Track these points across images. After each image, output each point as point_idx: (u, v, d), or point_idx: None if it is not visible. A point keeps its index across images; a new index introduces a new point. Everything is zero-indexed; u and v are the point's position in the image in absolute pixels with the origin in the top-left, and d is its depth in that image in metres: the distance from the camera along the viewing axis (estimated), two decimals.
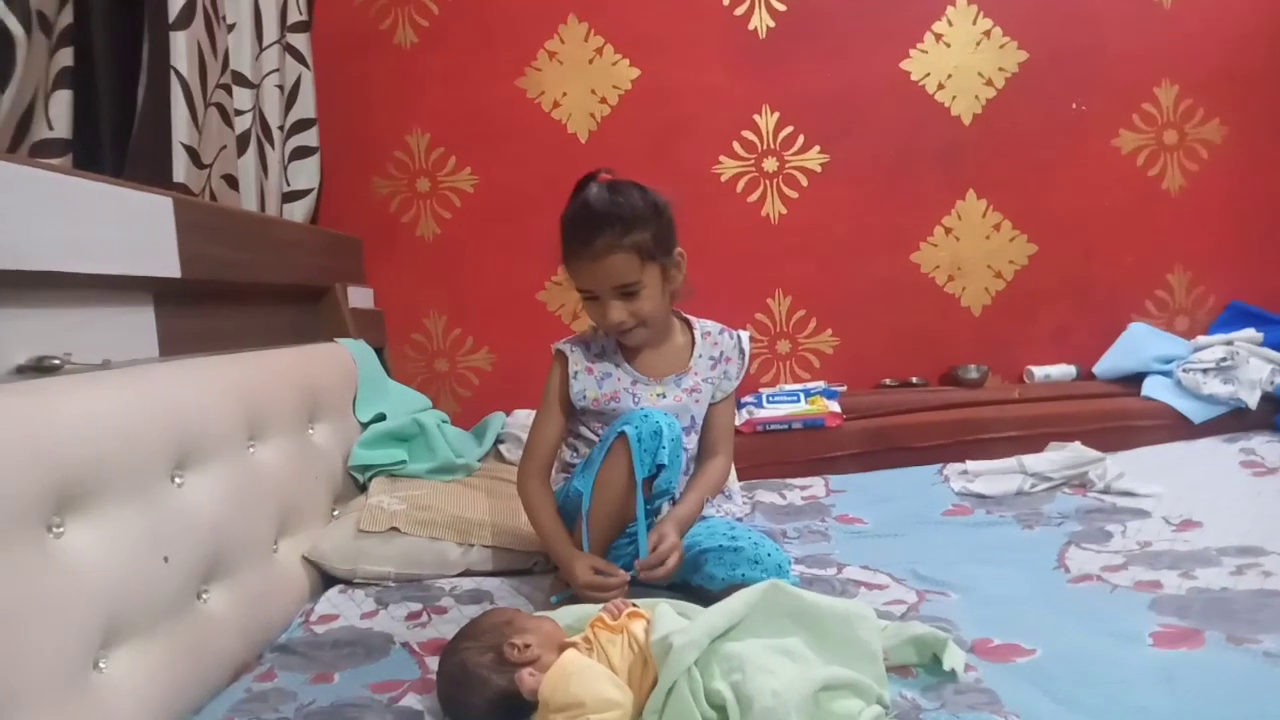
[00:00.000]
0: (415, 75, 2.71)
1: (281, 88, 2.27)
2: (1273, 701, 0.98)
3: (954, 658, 1.09)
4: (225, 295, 1.81)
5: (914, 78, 2.69)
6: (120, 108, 1.63)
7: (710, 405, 1.62)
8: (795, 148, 2.71)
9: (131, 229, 1.43)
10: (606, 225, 1.45)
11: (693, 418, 1.60)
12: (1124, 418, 2.40)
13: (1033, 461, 2.06)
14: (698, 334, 1.63)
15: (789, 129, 2.71)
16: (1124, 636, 1.18)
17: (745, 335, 1.67)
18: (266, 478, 1.53)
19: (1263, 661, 1.07)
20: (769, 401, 2.51)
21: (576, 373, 1.59)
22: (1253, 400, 2.33)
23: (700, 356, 1.61)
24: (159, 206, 1.51)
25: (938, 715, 1.00)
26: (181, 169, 1.73)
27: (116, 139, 1.62)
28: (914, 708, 1.02)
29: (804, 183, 2.72)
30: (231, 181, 1.95)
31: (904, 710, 1.01)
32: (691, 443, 1.59)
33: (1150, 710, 0.98)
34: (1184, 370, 2.43)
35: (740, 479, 1.71)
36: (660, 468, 1.41)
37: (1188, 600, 1.29)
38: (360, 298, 2.53)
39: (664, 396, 1.58)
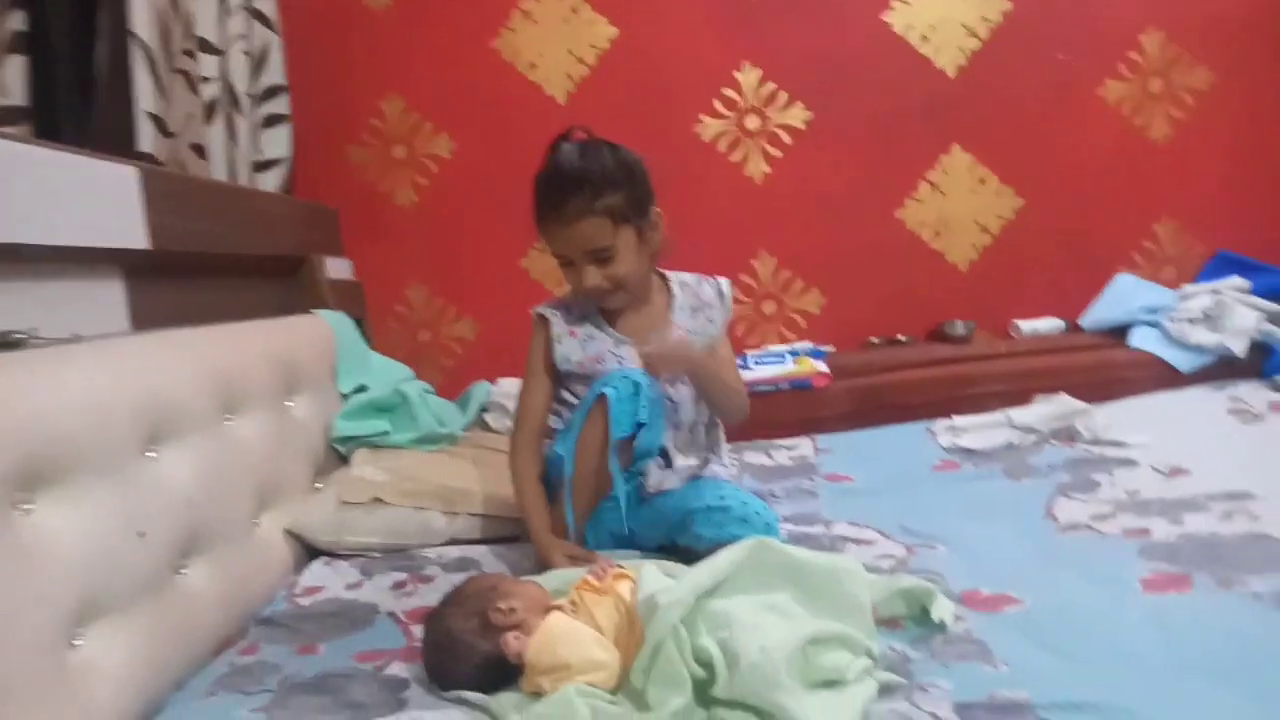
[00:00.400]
0: (388, 39, 2.65)
1: (249, 54, 2.21)
2: (1261, 641, 0.97)
3: (943, 609, 1.08)
4: (198, 268, 1.77)
5: (896, 30, 2.64)
6: (78, 75, 1.58)
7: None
8: (777, 105, 2.67)
9: (97, 200, 1.39)
10: (577, 189, 1.42)
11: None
12: (1111, 369, 2.39)
13: (1020, 415, 2.05)
14: (674, 286, 1.61)
15: (770, 86, 2.67)
16: (1114, 584, 1.17)
17: (725, 281, 1.64)
18: (244, 451, 1.51)
19: (1251, 603, 1.07)
20: (756, 363, 2.49)
21: (559, 336, 1.56)
22: (1240, 348, 2.32)
23: (680, 308, 1.59)
24: (125, 177, 1.47)
25: (927, 666, 1.00)
26: (147, 138, 1.68)
27: (76, 107, 1.58)
28: (903, 659, 1.02)
29: (787, 141, 2.68)
30: (200, 151, 1.91)
31: (893, 662, 1.01)
32: (683, 394, 1.56)
33: (1141, 655, 0.97)
34: (1171, 320, 2.42)
35: (728, 440, 1.69)
36: (640, 426, 1.39)
37: (1177, 546, 1.28)
38: (338, 269, 2.49)
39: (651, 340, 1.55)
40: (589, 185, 1.42)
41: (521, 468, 1.53)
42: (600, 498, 1.45)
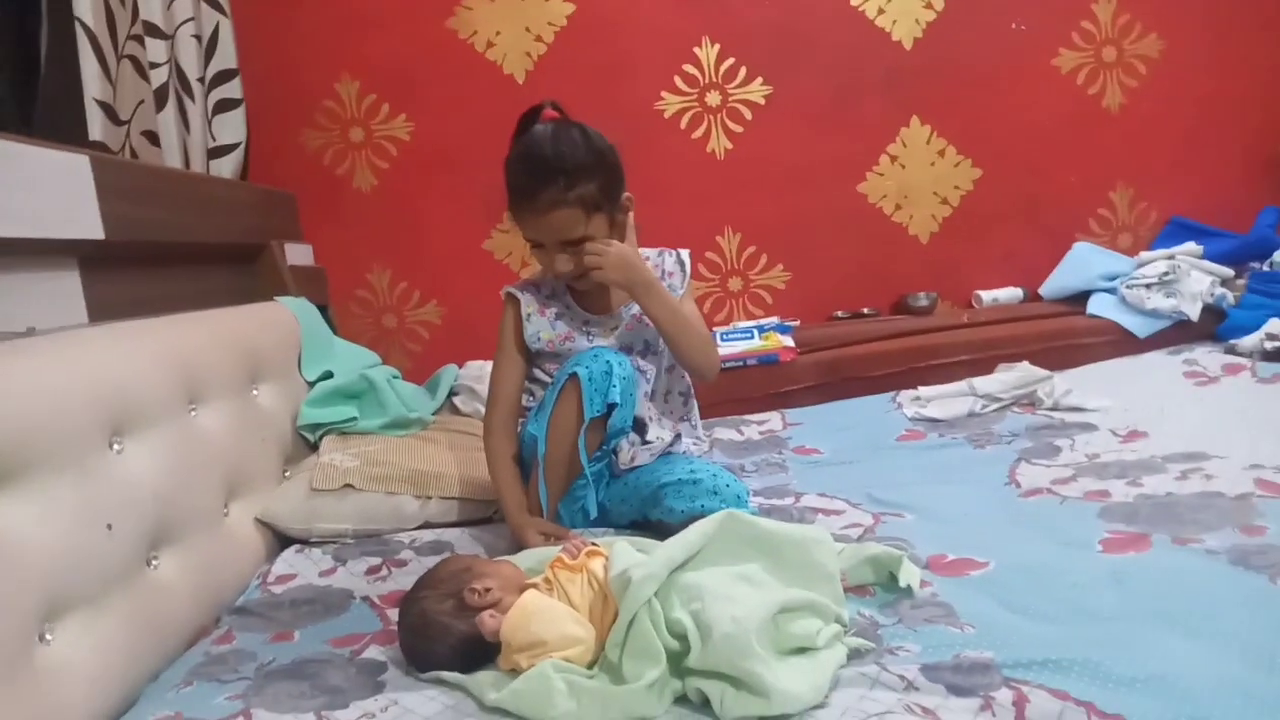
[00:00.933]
0: (341, 19, 2.61)
1: (198, 37, 2.17)
2: (1214, 593, 1.01)
3: (909, 574, 1.10)
4: (155, 257, 1.74)
5: (853, 3, 2.65)
6: (20, 62, 1.54)
7: None
8: (738, 80, 2.67)
9: (48, 190, 1.36)
10: (551, 179, 1.41)
11: (646, 342, 1.59)
12: (1070, 336, 2.44)
13: (983, 383, 2.08)
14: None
15: (730, 61, 2.67)
16: (1074, 544, 1.21)
17: (685, 251, 1.66)
18: (210, 441, 1.49)
19: (1205, 558, 1.10)
20: (723, 339, 2.50)
21: (530, 314, 1.57)
22: (1194, 312, 2.38)
23: (650, 267, 1.58)
24: (76, 165, 1.44)
25: (895, 630, 1.02)
26: (97, 126, 1.65)
27: (19, 95, 1.54)
28: (872, 625, 1.04)
29: (748, 116, 2.69)
30: (152, 138, 1.87)
31: (863, 628, 1.03)
32: (652, 363, 1.59)
33: (1100, 611, 1.00)
34: (1128, 286, 2.47)
35: (701, 417, 1.71)
36: (612, 407, 1.40)
37: (1135, 507, 1.32)
38: (299, 255, 2.46)
39: (616, 329, 1.58)
40: (563, 175, 1.41)
41: (496, 447, 1.54)
42: (574, 476, 1.45)
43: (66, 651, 1.02)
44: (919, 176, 2.72)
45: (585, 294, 1.58)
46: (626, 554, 1.05)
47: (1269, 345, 2.08)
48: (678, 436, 1.56)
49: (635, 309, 1.57)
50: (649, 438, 1.55)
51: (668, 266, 1.63)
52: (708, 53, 2.66)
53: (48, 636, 1.01)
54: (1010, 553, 1.19)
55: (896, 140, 2.71)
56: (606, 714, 0.91)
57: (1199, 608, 0.97)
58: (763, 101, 2.68)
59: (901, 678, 0.91)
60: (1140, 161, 2.72)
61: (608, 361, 1.40)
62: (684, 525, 1.18)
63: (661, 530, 1.37)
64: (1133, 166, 2.73)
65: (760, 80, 2.67)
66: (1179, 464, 1.48)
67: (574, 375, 1.39)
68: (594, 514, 1.45)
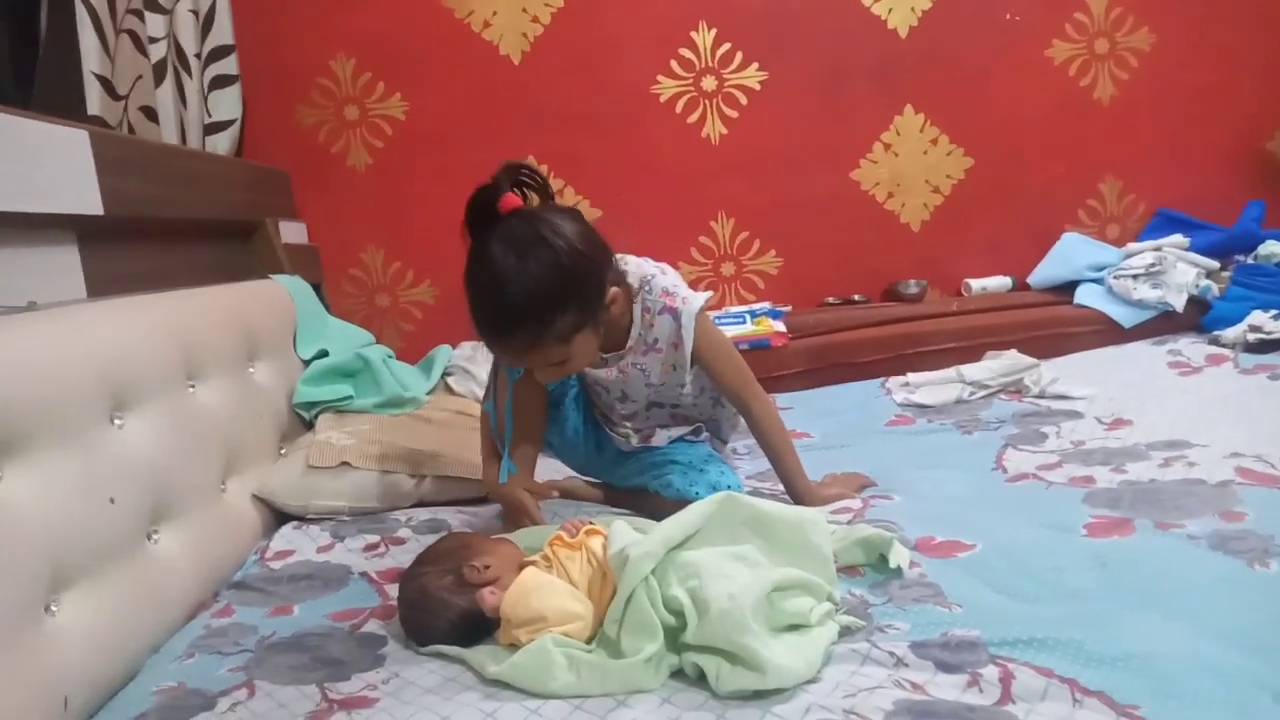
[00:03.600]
0: None
1: (196, 13, 2.16)
2: (1194, 576, 1.04)
3: (899, 556, 1.13)
4: (152, 233, 1.74)
5: None
6: (19, 35, 1.54)
7: (697, 371, 1.48)
8: (734, 65, 2.68)
9: (48, 164, 1.37)
10: (519, 325, 1.22)
11: (624, 392, 1.50)
12: (1058, 325, 2.47)
13: (971, 371, 2.11)
14: (638, 309, 1.41)
15: (727, 46, 2.67)
16: (1059, 528, 1.23)
17: (689, 313, 1.40)
18: (209, 417, 1.51)
19: (1187, 543, 1.13)
20: (716, 324, 2.52)
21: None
22: (1180, 303, 2.41)
23: (637, 337, 1.42)
24: (75, 140, 1.44)
25: (885, 609, 1.04)
26: (95, 101, 1.65)
27: (17, 69, 1.53)
28: (862, 604, 1.06)
29: (743, 101, 2.70)
30: (150, 113, 1.87)
31: (853, 606, 1.05)
32: (627, 409, 1.53)
33: (1084, 592, 1.03)
34: (1115, 277, 2.50)
35: None
36: None
37: (1119, 492, 1.35)
38: (293, 233, 2.46)
39: (605, 363, 1.46)
40: (534, 318, 1.21)
41: (484, 429, 1.56)
42: (536, 443, 1.48)
43: (71, 622, 1.04)
44: (912, 165, 2.74)
45: None
46: (625, 533, 1.07)
47: (1252, 337, 2.12)
48: (698, 428, 1.58)
49: (623, 361, 1.44)
50: (655, 443, 1.56)
51: (663, 336, 1.41)
52: (704, 37, 2.67)
53: (53, 607, 1.02)
54: (997, 536, 1.22)
55: (890, 128, 2.73)
56: (605, 686, 0.93)
57: (1179, 590, 1.00)
58: (758, 87, 2.69)
59: (891, 654, 0.94)
60: (1129, 154, 2.75)
61: None
62: (676, 504, 1.22)
63: (654, 506, 1.40)
64: (1122, 158, 2.75)
65: (756, 66, 2.68)
66: (1162, 451, 1.51)
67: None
68: (503, 479, 1.43)
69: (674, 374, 1.46)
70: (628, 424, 1.57)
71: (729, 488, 1.40)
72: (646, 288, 1.40)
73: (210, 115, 2.26)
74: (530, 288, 1.20)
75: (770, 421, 1.48)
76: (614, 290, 1.31)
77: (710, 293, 1.52)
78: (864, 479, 1.52)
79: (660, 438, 1.54)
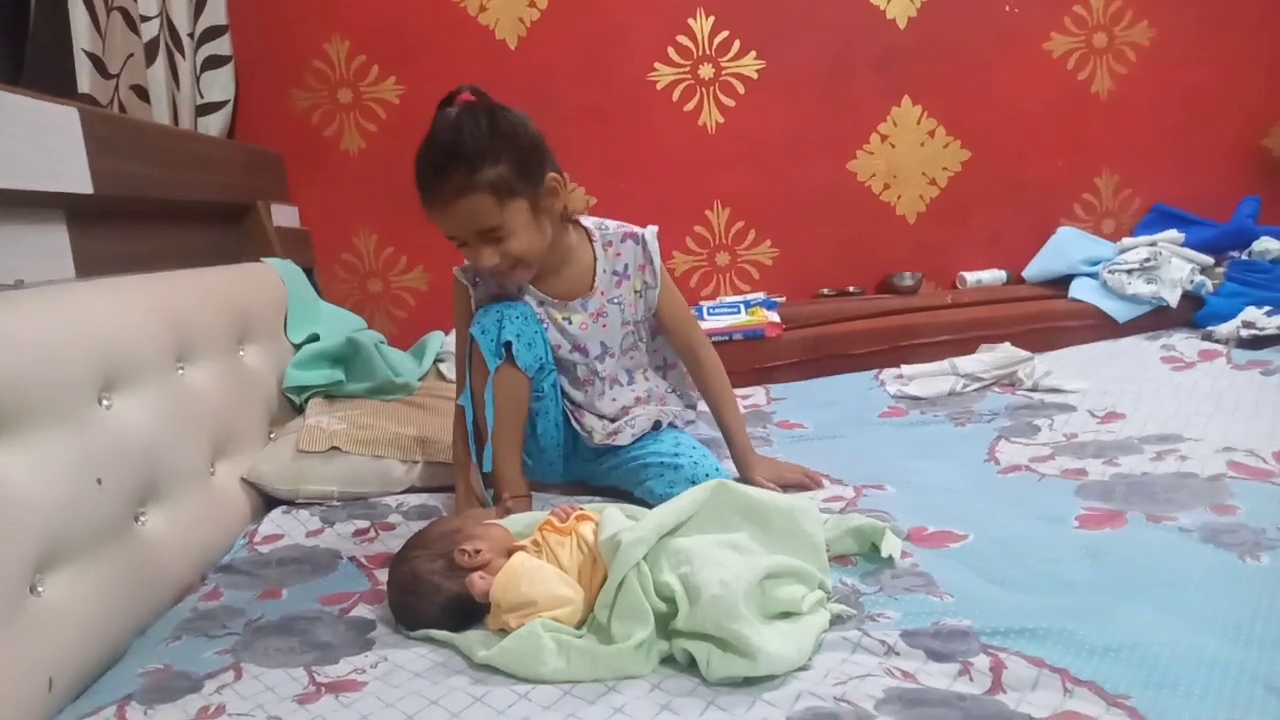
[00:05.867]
0: None
1: None
2: (1186, 568, 1.04)
3: (891, 546, 1.13)
4: (142, 214, 1.73)
5: None
6: (9, 10, 1.52)
7: (653, 314, 1.55)
8: (731, 54, 2.66)
9: (36, 142, 1.35)
10: (452, 166, 1.29)
11: (603, 344, 1.52)
12: (1051, 319, 2.47)
13: (964, 363, 2.11)
14: (598, 245, 1.50)
15: (724, 34, 2.65)
16: (1051, 520, 1.23)
17: (651, 232, 1.52)
18: (198, 400, 1.49)
19: (1178, 535, 1.13)
20: (710, 314, 2.52)
21: (480, 302, 1.50)
22: (1174, 299, 2.41)
23: (603, 272, 1.49)
24: (65, 118, 1.43)
25: (876, 598, 1.04)
26: (86, 79, 1.63)
27: (7, 44, 1.51)
28: (854, 592, 1.06)
29: (741, 90, 2.68)
30: (141, 93, 1.85)
31: (845, 595, 1.05)
32: (607, 367, 1.53)
33: (1075, 582, 1.03)
34: (1109, 271, 2.50)
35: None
36: (509, 346, 1.42)
37: (1111, 485, 1.35)
38: (285, 216, 2.44)
39: (570, 322, 1.50)
40: (465, 161, 1.29)
41: (458, 429, 1.54)
42: (520, 429, 1.48)
43: (57, 602, 1.03)
44: (908, 156, 2.73)
45: (542, 278, 1.49)
46: (617, 519, 1.06)
47: (1245, 333, 2.12)
48: (658, 424, 1.54)
49: (592, 305, 1.50)
50: (629, 416, 1.53)
51: (630, 259, 1.50)
52: (702, 25, 2.65)
53: (39, 588, 1.01)
54: (989, 526, 1.22)
55: (887, 119, 2.72)
56: (595, 672, 0.93)
57: (1171, 582, 1.00)
58: (755, 76, 2.68)
59: (882, 643, 0.93)
60: (1126, 148, 2.74)
61: (499, 312, 1.43)
62: None
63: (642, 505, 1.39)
64: (1119, 153, 2.75)
65: (754, 54, 2.67)
66: (1154, 445, 1.51)
67: (472, 338, 1.43)
68: (487, 468, 1.45)
69: (640, 302, 1.52)
70: (599, 405, 1.55)
71: (707, 475, 1.40)
72: (603, 227, 1.52)
73: (203, 96, 2.24)
74: (464, 134, 1.30)
75: (718, 370, 1.56)
76: (552, 175, 1.37)
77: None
78: (805, 476, 1.49)
79: (625, 435, 1.50)
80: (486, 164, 1.29)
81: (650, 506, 1.36)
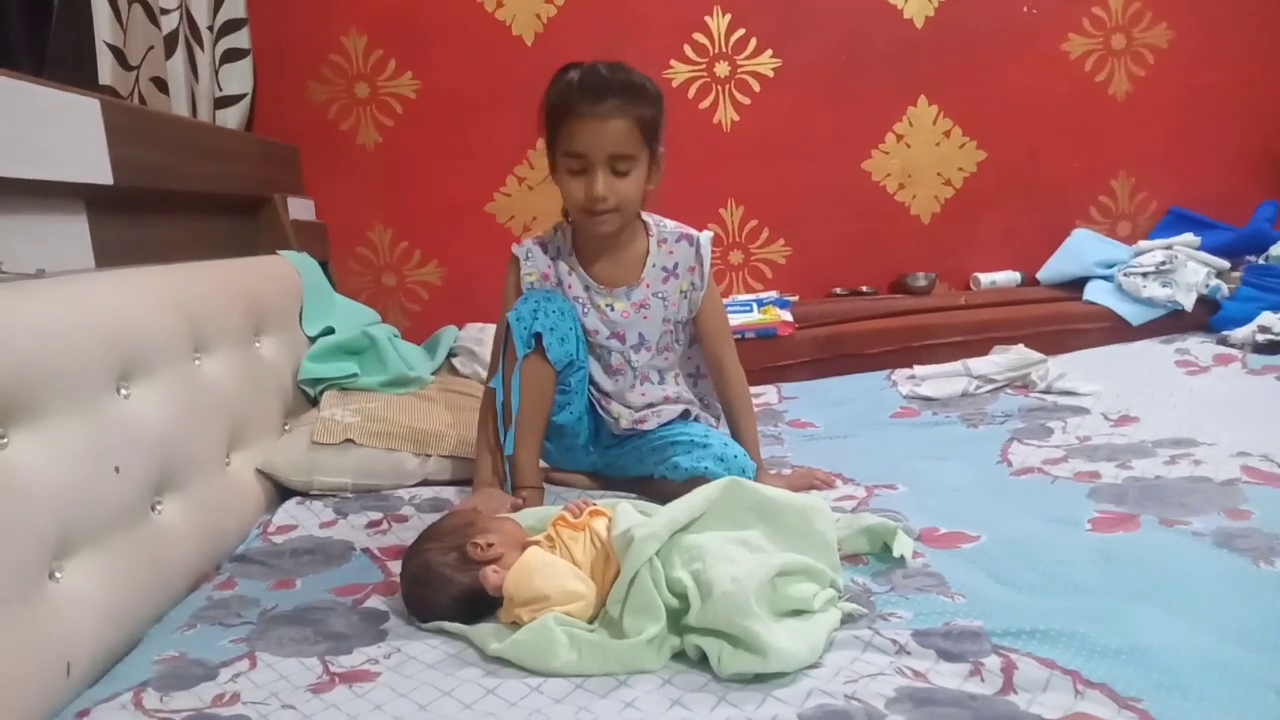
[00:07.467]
0: None
1: None
2: (1199, 572, 1.03)
3: (903, 545, 1.13)
4: (161, 205, 1.74)
5: None
6: (32, 3, 1.53)
7: (693, 317, 1.58)
8: (748, 51, 2.66)
9: (58, 132, 1.36)
10: (618, 90, 1.41)
11: (641, 335, 1.56)
12: (1066, 321, 2.46)
13: (978, 364, 2.11)
14: (654, 241, 1.56)
15: (741, 31, 2.65)
16: (1064, 522, 1.23)
17: (706, 237, 1.57)
18: (214, 390, 1.50)
19: (1192, 539, 1.13)
20: None
21: (532, 280, 1.57)
22: (1189, 303, 2.40)
23: (653, 266, 1.55)
24: (86, 109, 1.44)
25: (888, 598, 1.04)
26: (107, 70, 1.64)
27: (30, 37, 1.53)
28: (865, 591, 1.06)
29: (756, 88, 2.68)
30: (161, 85, 1.86)
31: (856, 594, 1.05)
32: (641, 360, 1.57)
33: (1087, 585, 1.03)
34: (1124, 274, 2.49)
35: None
36: (538, 337, 1.45)
37: (1124, 488, 1.35)
38: (301, 209, 2.45)
39: (612, 309, 1.55)
40: (630, 91, 1.41)
41: (483, 416, 1.55)
42: (543, 419, 1.50)
43: (75, 588, 1.04)
44: (924, 156, 2.72)
45: (592, 257, 1.55)
46: (630, 514, 1.07)
47: (1260, 338, 2.11)
48: (686, 412, 1.58)
49: (636, 296, 1.55)
50: (651, 398, 1.57)
51: (682, 259, 1.55)
52: (718, 22, 2.65)
53: (57, 574, 1.02)
54: (1001, 528, 1.22)
55: (903, 119, 2.71)
56: (606, 666, 0.93)
57: (1183, 586, 1.00)
58: (771, 74, 2.67)
59: (894, 642, 0.94)
60: (1143, 151, 2.73)
61: (536, 300, 1.47)
62: (686, 484, 1.22)
63: (663, 491, 1.39)
64: (1135, 155, 2.73)
65: (770, 53, 2.66)
66: (1168, 449, 1.51)
67: (508, 322, 1.47)
68: (509, 450, 1.49)
69: (685, 302, 1.56)
70: (628, 396, 1.58)
71: (735, 456, 1.42)
72: (660, 224, 1.58)
73: (221, 89, 2.25)
74: (632, 73, 1.44)
75: (742, 385, 1.60)
76: (662, 150, 1.48)
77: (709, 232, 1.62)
78: (814, 479, 1.50)
79: (651, 421, 1.54)
80: (644, 102, 1.42)
81: (673, 483, 1.38)
